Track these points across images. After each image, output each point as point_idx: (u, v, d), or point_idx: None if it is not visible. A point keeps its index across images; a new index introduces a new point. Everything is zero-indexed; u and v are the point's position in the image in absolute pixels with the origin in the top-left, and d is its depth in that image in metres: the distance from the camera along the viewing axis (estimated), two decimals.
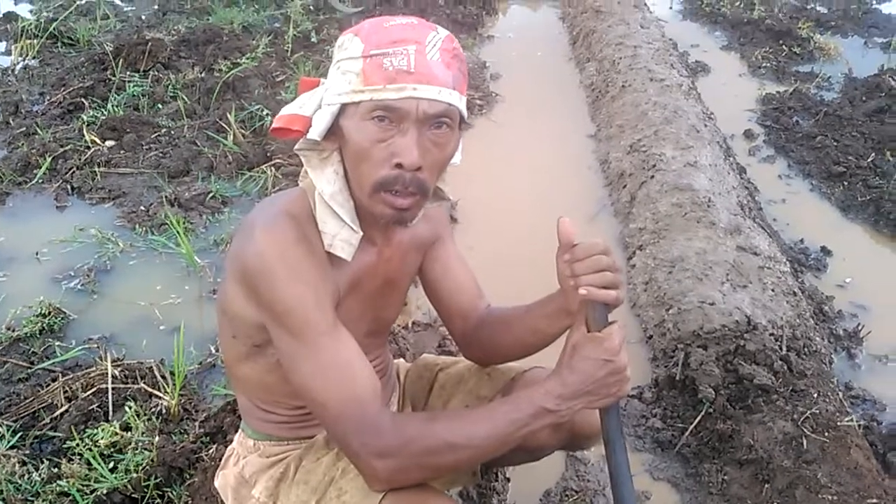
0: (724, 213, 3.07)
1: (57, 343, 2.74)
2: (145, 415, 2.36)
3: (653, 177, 3.38)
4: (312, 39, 5.33)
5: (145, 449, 2.21)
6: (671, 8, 6.86)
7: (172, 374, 2.47)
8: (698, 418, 2.34)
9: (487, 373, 1.79)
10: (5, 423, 2.36)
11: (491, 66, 4.98)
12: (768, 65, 5.39)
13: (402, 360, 2.03)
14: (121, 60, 4.71)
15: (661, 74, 4.19)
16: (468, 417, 1.42)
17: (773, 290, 2.69)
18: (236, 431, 1.73)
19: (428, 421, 1.40)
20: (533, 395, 1.38)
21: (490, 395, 1.75)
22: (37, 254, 3.28)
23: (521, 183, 3.77)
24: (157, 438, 2.22)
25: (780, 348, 2.46)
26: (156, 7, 6.20)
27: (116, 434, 2.27)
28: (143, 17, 5.97)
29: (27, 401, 2.46)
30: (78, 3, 5.63)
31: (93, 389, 2.48)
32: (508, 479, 2.21)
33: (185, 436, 2.27)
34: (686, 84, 4.16)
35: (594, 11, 5.28)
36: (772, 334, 2.51)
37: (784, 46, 5.65)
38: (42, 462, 2.19)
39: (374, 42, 1.29)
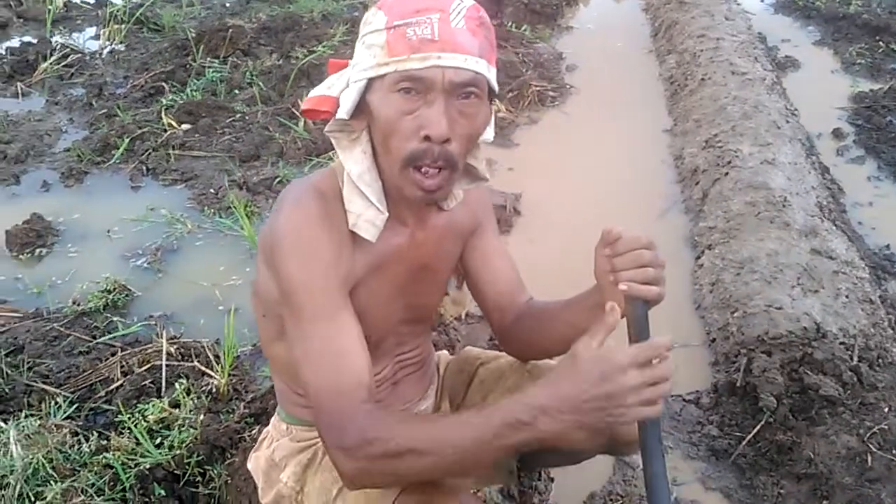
0: (799, 214, 2.92)
1: (119, 319, 2.80)
2: (195, 393, 2.39)
3: (727, 173, 3.25)
4: None
5: (191, 426, 2.23)
6: (762, 1, 6.60)
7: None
8: (757, 428, 2.23)
9: (528, 370, 1.72)
10: (63, 393, 2.42)
11: (567, 58, 4.88)
12: (863, 61, 5.11)
13: (444, 352, 1.99)
14: (202, 46, 4.81)
15: (743, 68, 4.02)
16: (439, 423, 1.34)
17: (846, 297, 2.54)
18: None
19: (396, 423, 1.32)
20: (512, 405, 1.23)
21: None
22: (108, 231, 3.37)
23: (590, 176, 3.68)
24: (202, 416, 2.24)
25: (851, 358, 2.32)
26: None
27: (165, 410, 2.30)
28: (227, 5, 6.08)
29: (85, 373, 2.52)
30: None
31: (148, 365, 2.52)
32: (552, 479, 2.14)
33: (231, 415, 2.28)
34: (770, 78, 3.99)
35: (678, 2, 5.12)
36: (842, 343, 2.37)
37: (881, 42, 5.35)
38: (92, 434, 2.24)
39: (397, 13, 1.26)
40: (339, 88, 1.36)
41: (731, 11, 4.86)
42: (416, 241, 1.49)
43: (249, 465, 1.76)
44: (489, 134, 1.44)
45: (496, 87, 1.35)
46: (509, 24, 5.12)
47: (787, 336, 2.39)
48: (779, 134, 3.44)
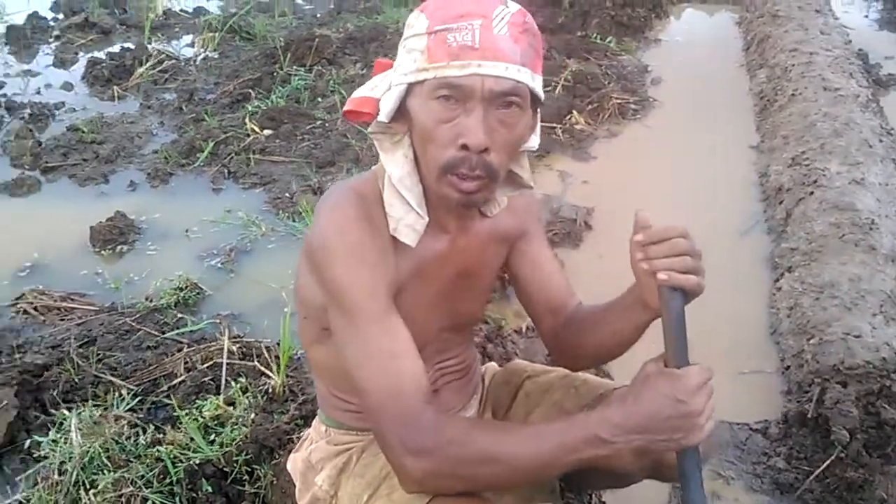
0: (887, 238, 2.76)
1: (188, 316, 2.87)
2: (252, 392, 2.41)
3: (812, 193, 3.09)
4: None
5: (243, 425, 2.25)
6: (866, 16, 6.32)
7: None
8: (827, 462, 2.10)
9: (576, 386, 1.68)
10: (128, 386, 2.48)
11: (653, 71, 4.77)
12: None
13: (492, 363, 1.96)
14: (289, 55, 4.91)
15: (835, 84, 3.84)
16: (515, 433, 1.34)
17: None
18: None
19: (472, 427, 1.32)
20: (589, 420, 1.26)
21: (575, 410, 1.64)
22: (187, 231, 3.46)
23: (668, 192, 3.57)
24: (253, 415, 2.26)
25: None
26: (331, 6, 6.43)
27: (220, 408, 2.33)
28: (318, 15, 6.21)
29: (150, 367, 2.58)
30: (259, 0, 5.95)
31: (209, 363, 2.57)
32: (604, 502, 2.07)
33: (283, 416, 2.29)
34: (865, 95, 3.79)
35: (771, 16, 4.93)
36: None
37: None
38: (149, 427, 2.29)
39: (438, 18, 1.24)
40: (382, 91, 1.35)
41: (828, 25, 4.65)
42: (458, 247, 1.47)
43: (289, 466, 1.77)
44: (534, 142, 1.41)
45: (541, 95, 1.32)
46: (594, 35, 5.04)
47: (865, 367, 2.25)
48: (870, 153, 3.26)
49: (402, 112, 1.31)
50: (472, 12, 1.23)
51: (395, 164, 1.34)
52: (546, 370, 1.79)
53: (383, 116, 1.31)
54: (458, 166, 1.26)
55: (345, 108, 1.39)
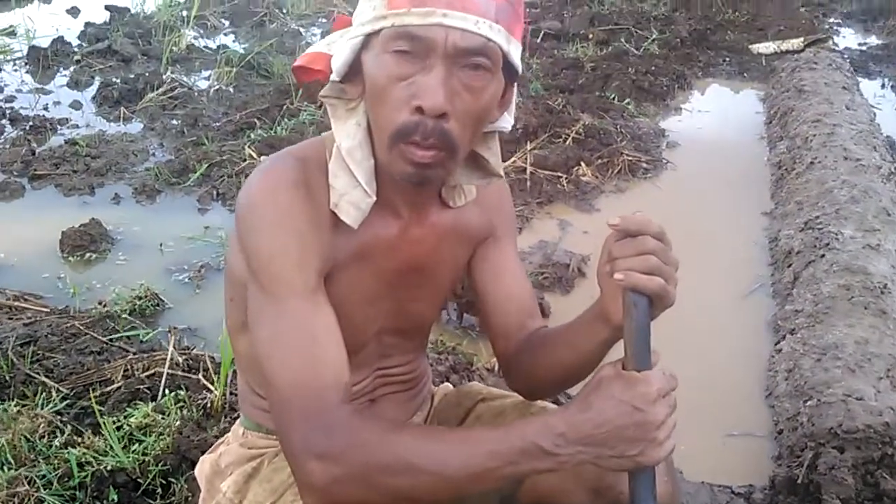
0: None
1: (142, 326, 2.69)
2: (188, 405, 2.21)
3: (823, 255, 2.88)
4: None
5: (169, 435, 2.05)
6: None
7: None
8: None
9: (532, 412, 1.45)
10: (60, 388, 2.30)
11: (670, 135, 4.62)
12: None
13: (447, 384, 1.74)
14: (301, 91, 4.84)
15: (857, 154, 3.65)
16: (442, 438, 1.12)
17: None
18: None
19: (392, 430, 1.11)
20: (528, 427, 1.06)
21: None
22: (161, 245, 3.31)
23: (672, 250, 3.36)
24: (177, 423, 2.06)
25: None
26: None
27: (149, 416, 2.13)
28: None
29: (88, 372, 2.40)
30: (280, 39, 5.94)
31: (150, 372, 2.38)
32: None
33: (214, 429, 2.09)
34: (887, 168, 3.60)
35: (797, 90, 4.80)
36: None
37: None
38: (67, 428, 2.10)
39: None
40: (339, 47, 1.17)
41: (854, 102, 4.50)
42: (411, 236, 1.27)
43: (196, 470, 1.54)
44: (506, 121, 1.22)
45: (518, 65, 1.14)
46: (612, 96, 4.93)
47: (865, 431, 2.00)
48: (888, 221, 3.06)
49: (356, 70, 1.13)
50: None
51: (345, 132, 1.16)
52: (504, 394, 1.55)
53: (335, 74, 1.13)
54: (411, 133, 1.07)
55: (294, 64, 1.20)
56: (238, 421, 1.49)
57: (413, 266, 1.30)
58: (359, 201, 1.16)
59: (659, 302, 1.10)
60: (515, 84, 1.20)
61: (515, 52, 1.12)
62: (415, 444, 1.08)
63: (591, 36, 6.29)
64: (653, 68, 5.47)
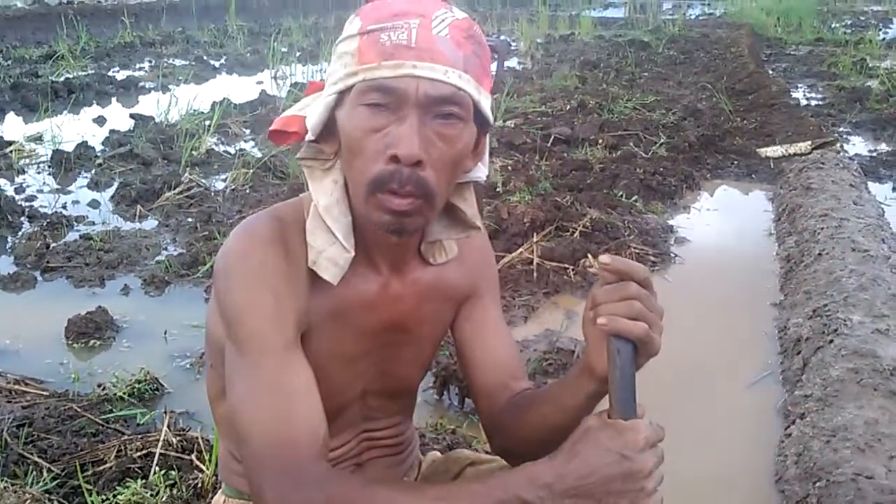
0: None
1: (140, 409, 2.67)
2: (176, 484, 2.17)
3: (832, 341, 2.83)
4: None
5: None
6: None
7: None
8: None
9: None
10: (51, 468, 2.27)
11: (678, 231, 4.64)
12: None
13: (435, 452, 1.71)
14: None
15: (865, 245, 3.64)
16: (422, 492, 1.10)
17: None
18: None
19: (368, 484, 1.10)
20: (511, 479, 1.05)
21: None
22: (165, 333, 3.32)
23: (679, 341, 3.30)
24: (162, 497, 2.01)
25: None
26: None
27: (137, 494, 2.09)
28: None
29: (82, 452, 2.36)
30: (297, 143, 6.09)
31: (144, 452, 2.35)
32: None
33: None
34: (895, 259, 3.58)
35: (804, 188, 4.84)
36: None
37: None
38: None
39: (373, 17, 1.11)
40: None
41: (861, 198, 4.53)
42: (391, 293, 1.27)
43: None
44: (480, 172, 1.24)
45: (490, 117, 1.17)
46: (620, 194, 4.98)
47: None
48: None
49: (331, 129, 1.16)
50: (410, 11, 1.10)
51: (322, 191, 1.17)
52: (493, 459, 1.53)
53: (310, 133, 1.16)
54: (387, 182, 1.08)
55: (270, 128, 1.23)
56: (220, 491, 1.46)
57: (394, 324, 1.29)
58: (337, 257, 1.17)
59: (644, 349, 1.08)
60: (487, 135, 1.22)
61: (486, 103, 1.15)
62: (391, 497, 1.05)
63: (600, 141, 6.41)
64: (661, 169, 5.54)
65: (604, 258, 1.08)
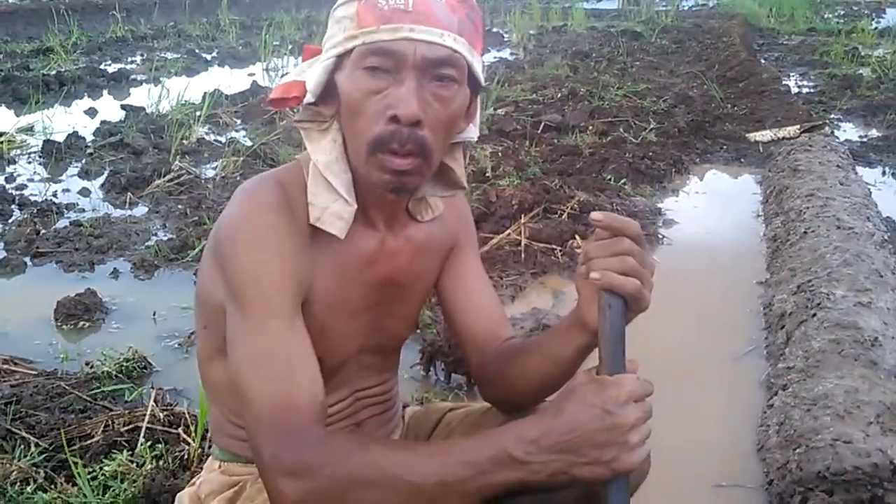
0: (891, 355, 2.49)
1: (127, 386, 2.69)
2: (163, 456, 2.19)
3: (815, 315, 2.86)
4: None
5: (142, 482, 2.02)
6: None
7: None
8: None
9: (503, 420, 1.45)
10: (39, 442, 2.29)
11: (667, 214, 4.66)
12: None
13: (412, 406, 1.75)
14: None
15: (850, 223, 3.67)
16: (414, 449, 1.13)
17: None
18: None
19: (364, 443, 1.12)
20: (500, 436, 1.08)
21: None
22: (154, 314, 3.33)
23: (666, 317, 3.32)
24: (148, 467, 2.03)
25: None
26: None
27: (123, 464, 2.11)
28: None
29: (70, 427, 2.38)
30: (287, 133, 6.10)
31: (131, 426, 2.37)
32: None
33: (186, 475, 2.06)
34: (880, 236, 3.60)
35: (792, 170, 4.86)
36: None
37: None
38: (40, 476, 2.07)
39: None
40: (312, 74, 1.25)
41: (848, 179, 4.55)
42: (388, 249, 1.32)
43: None
44: (472, 132, 1.30)
45: (481, 79, 1.22)
46: (609, 178, 5.00)
47: (853, 472, 1.94)
48: (881, 282, 3.04)
49: (330, 92, 1.20)
50: None
51: (321, 150, 1.22)
52: (469, 405, 1.59)
53: (310, 95, 1.20)
54: (388, 142, 1.13)
55: (270, 97, 1.28)
56: (212, 456, 1.48)
57: (391, 280, 1.34)
58: (341, 211, 1.21)
59: (634, 304, 1.12)
60: (479, 97, 1.27)
61: (478, 65, 1.20)
62: (386, 454, 1.09)
63: (590, 127, 6.43)
64: (650, 154, 5.56)
65: (596, 214, 1.11)
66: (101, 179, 5.25)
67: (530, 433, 1.05)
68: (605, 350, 1.10)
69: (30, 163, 5.76)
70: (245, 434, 1.24)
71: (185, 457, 2.20)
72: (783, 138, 6.20)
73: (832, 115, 7.76)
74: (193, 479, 1.54)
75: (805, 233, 3.73)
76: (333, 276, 1.26)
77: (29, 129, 6.52)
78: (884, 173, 5.96)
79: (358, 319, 1.33)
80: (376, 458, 1.07)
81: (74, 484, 2.05)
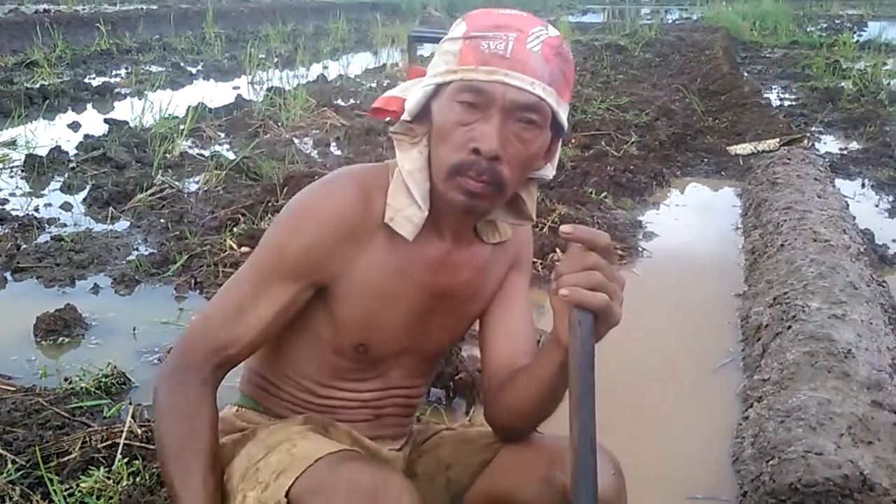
0: (864, 367, 2.52)
1: (107, 402, 2.68)
2: (140, 473, 2.19)
3: (790, 327, 2.89)
4: None
5: (118, 498, 2.02)
6: (877, 206, 6.24)
7: None
8: None
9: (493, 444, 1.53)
10: (17, 460, 2.28)
11: (647, 227, 4.70)
12: None
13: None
14: (287, 189, 4.96)
15: (826, 236, 3.71)
16: (190, 479, 1.33)
17: None
18: None
19: (194, 426, 1.35)
20: None
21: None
22: (134, 329, 3.33)
23: (644, 332, 3.35)
24: (124, 483, 2.03)
25: None
26: (341, 156, 6.58)
27: (100, 481, 2.11)
28: (329, 166, 6.34)
29: (47, 444, 2.37)
30: (272, 147, 6.11)
31: (109, 443, 2.36)
32: None
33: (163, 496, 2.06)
34: (856, 248, 3.65)
35: (770, 183, 4.91)
36: (895, 500, 1.92)
37: None
38: (16, 493, 2.07)
39: (477, 25, 1.28)
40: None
41: (825, 192, 4.60)
42: (451, 260, 1.42)
43: None
44: (548, 172, 1.39)
45: (564, 124, 1.31)
46: (590, 191, 5.04)
47: (824, 484, 1.96)
48: (855, 294, 3.08)
49: (425, 114, 1.32)
50: (511, 25, 1.26)
51: (409, 158, 1.34)
52: (466, 425, 1.72)
53: (407, 114, 1.32)
54: (466, 169, 1.25)
55: (372, 106, 1.40)
56: (232, 402, 1.60)
57: (448, 290, 1.43)
58: (413, 216, 1.33)
59: (604, 319, 1.14)
60: (560, 139, 1.37)
61: (563, 112, 1.29)
62: (183, 451, 1.32)
63: (573, 140, 6.47)
64: (632, 167, 5.60)
65: (565, 227, 1.14)
66: (84, 194, 5.24)
67: None
68: (574, 365, 1.11)
69: (12, 177, 5.74)
70: (265, 384, 1.52)
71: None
72: (763, 151, 6.27)
73: (813, 128, 7.84)
74: None
75: (782, 245, 3.77)
76: (393, 272, 1.37)
77: (11, 143, 6.51)
78: (863, 185, 6.03)
79: (409, 320, 1.42)
80: (178, 441, 1.32)
81: (51, 501, 2.06)
